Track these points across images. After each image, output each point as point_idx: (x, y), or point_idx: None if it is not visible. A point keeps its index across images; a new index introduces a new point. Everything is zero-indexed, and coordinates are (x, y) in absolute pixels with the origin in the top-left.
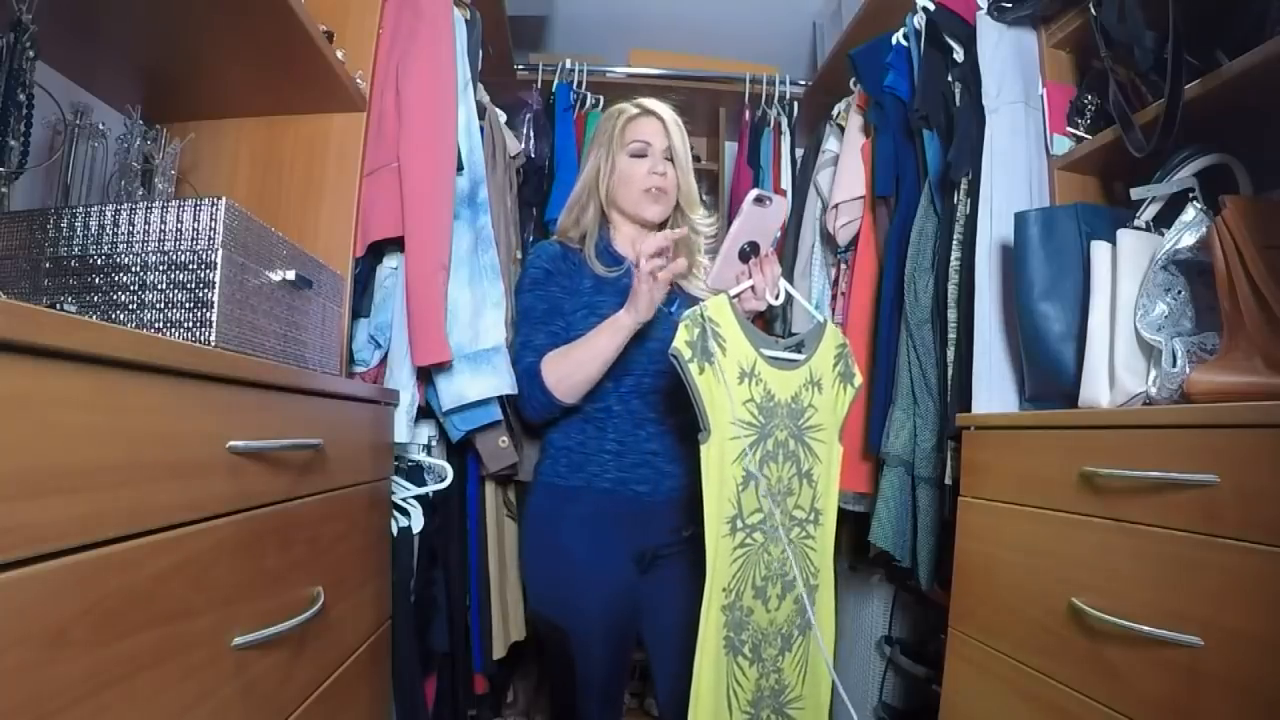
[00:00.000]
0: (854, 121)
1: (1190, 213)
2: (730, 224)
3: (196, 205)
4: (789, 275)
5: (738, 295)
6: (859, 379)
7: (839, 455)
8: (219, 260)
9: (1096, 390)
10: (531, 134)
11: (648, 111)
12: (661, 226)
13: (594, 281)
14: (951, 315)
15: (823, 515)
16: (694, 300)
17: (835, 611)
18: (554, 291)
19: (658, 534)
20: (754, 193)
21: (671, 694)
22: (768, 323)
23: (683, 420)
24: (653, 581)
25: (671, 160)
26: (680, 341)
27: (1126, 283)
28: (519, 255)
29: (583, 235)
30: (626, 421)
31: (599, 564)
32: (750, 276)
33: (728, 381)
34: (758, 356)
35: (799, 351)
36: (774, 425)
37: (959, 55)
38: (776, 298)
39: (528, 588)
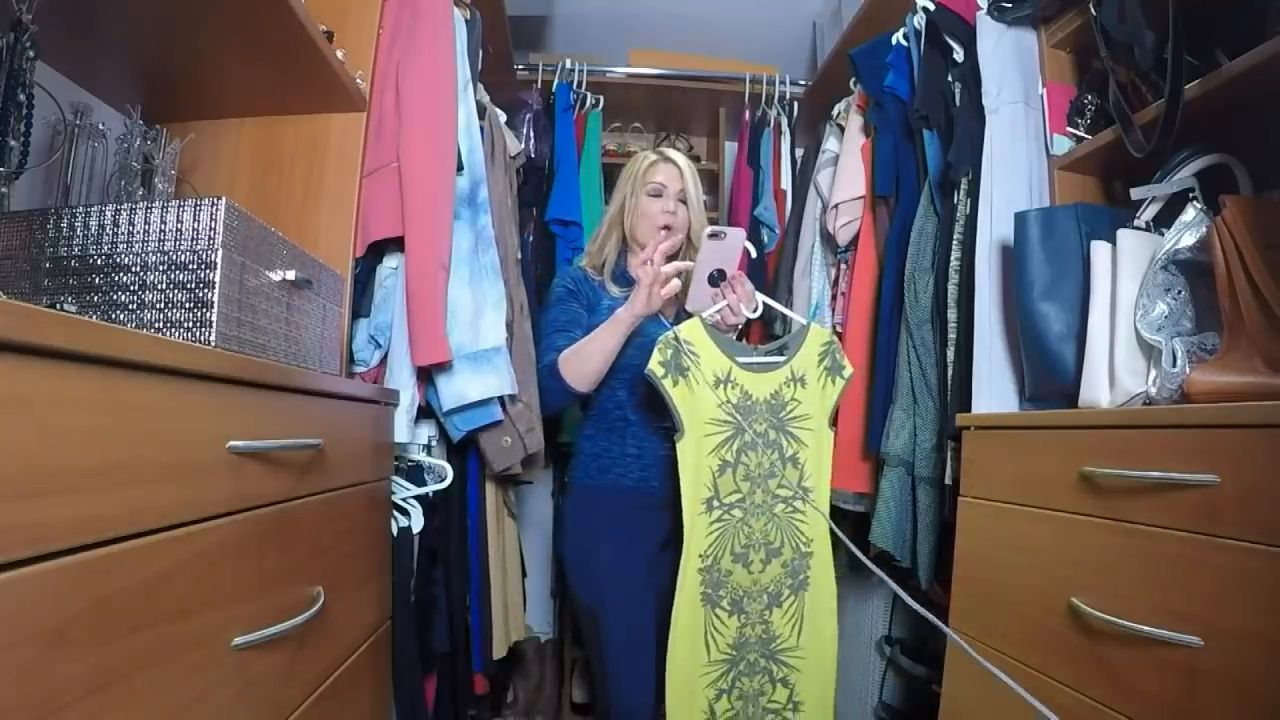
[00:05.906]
0: (854, 121)
1: (1190, 213)
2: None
3: (196, 205)
4: (789, 275)
5: (713, 314)
6: (849, 369)
7: (829, 439)
8: (219, 260)
9: (1096, 390)
10: (531, 134)
11: (667, 159)
12: (673, 257)
13: (611, 301)
14: (951, 315)
15: (812, 492)
16: None
17: (838, 598)
18: (574, 306)
19: (673, 522)
20: (709, 229)
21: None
22: (767, 325)
23: None
24: (670, 562)
25: (685, 202)
26: (654, 363)
27: (1126, 283)
28: (519, 255)
29: (604, 262)
30: (642, 428)
31: (627, 553)
32: (724, 298)
33: (700, 390)
34: (732, 365)
35: (781, 354)
36: (752, 420)
37: (959, 55)
38: (755, 310)
39: (567, 575)
